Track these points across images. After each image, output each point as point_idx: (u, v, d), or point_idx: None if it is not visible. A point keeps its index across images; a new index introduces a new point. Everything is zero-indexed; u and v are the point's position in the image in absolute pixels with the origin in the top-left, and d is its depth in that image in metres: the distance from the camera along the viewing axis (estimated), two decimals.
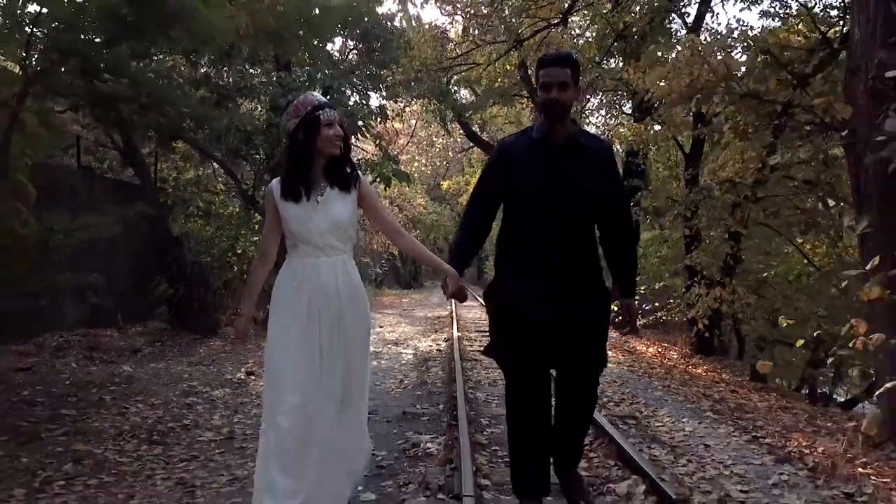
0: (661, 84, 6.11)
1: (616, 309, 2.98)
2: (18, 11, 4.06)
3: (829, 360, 4.08)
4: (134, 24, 3.80)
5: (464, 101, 17.44)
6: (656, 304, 8.82)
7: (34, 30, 4.09)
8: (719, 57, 5.01)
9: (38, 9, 4.11)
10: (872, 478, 3.18)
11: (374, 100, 14.46)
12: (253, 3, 4.64)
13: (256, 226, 12.10)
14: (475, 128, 19.13)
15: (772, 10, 10.26)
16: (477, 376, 5.97)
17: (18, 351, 7.05)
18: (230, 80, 11.24)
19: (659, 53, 9.41)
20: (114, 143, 9.37)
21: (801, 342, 4.37)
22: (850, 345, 3.46)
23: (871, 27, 4.23)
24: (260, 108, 11.45)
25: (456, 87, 15.02)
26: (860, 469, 3.30)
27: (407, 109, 15.58)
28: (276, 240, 2.51)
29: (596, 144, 2.77)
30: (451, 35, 11.32)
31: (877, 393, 3.50)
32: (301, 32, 5.71)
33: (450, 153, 26.99)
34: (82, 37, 4.22)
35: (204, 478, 3.42)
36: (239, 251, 11.27)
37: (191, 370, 6.65)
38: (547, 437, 2.64)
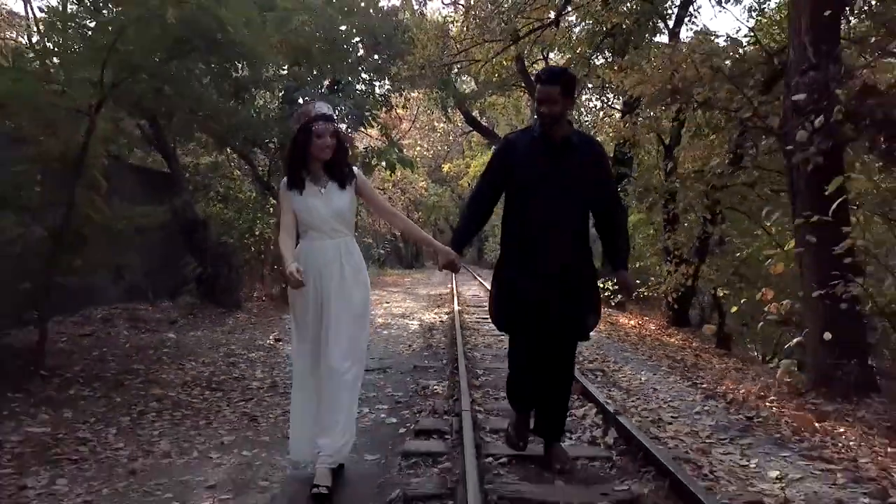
0: (638, 87, 6.99)
1: (613, 282, 3.51)
2: (99, 39, 4.93)
3: (760, 325, 5.05)
4: (195, 50, 4.68)
5: (465, 88, 18.21)
6: (637, 282, 9.77)
7: (115, 45, 4.92)
8: (681, 70, 5.89)
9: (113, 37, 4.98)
10: (774, 408, 4.18)
11: (379, 89, 15.19)
12: (284, 25, 5.51)
13: (271, 209, 13.02)
14: (475, 113, 19.94)
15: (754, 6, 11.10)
16: (474, 341, 6.95)
17: (72, 321, 8.04)
18: (244, 73, 12.03)
19: (646, 48, 10.25)
20: (144, 136, 10.23)
21: (735, 308, 5.35)
22: (766, 309, 4.41)
23: (801, 52, 5.12)
24: (274, 100, 12.27)
25: (456, 77, 15.80)
26: (766, 403, 4.29)
27: (410, 97, 16.39)
28: (291, 220, 2.87)
29: (588, 143, 3.08)
30: (453, 31, 12.09)
31: (786, 347, 4.47)
32: (325, 46, 6.56)
33: (450, 137, 27.77)
34: (147, 58, 5.11)
35: (261, 412, 4.41)
36: (257, 233, 12.20)
37: (226, 337, 7.64)
38: (536, 375, 3.03)
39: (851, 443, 3.60)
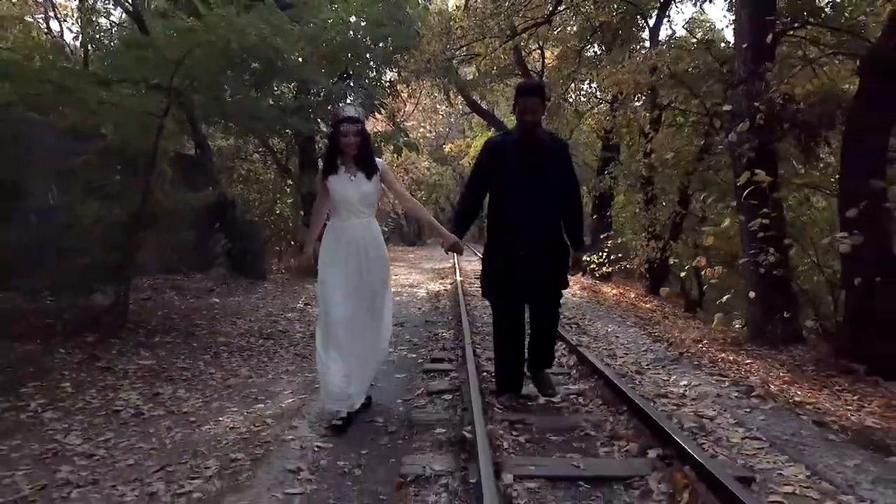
0: (613, 87, 8.13)
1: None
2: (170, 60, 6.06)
3: (704, 287, 6.27)
4: (245, 62, 5.81)
5: (466, 74, 19.19)
6: (619, 255, 11.00)
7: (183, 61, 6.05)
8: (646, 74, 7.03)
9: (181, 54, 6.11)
10: (703, 348, 5.44)
11: (385, 76, 16.13)
12: (317, 40, 6.64)
13: (288, 189, 14.18)
14: (475, 97, 20.93)
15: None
16: (473, 304, 8.20)
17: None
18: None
19: (627, 46, 11.33)
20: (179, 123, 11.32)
21: (684, 273, 6.57)
22: (703, 274, 5.64)
23: (740, 68, 6.26)
24: (290, 92, 13.31)
25: (458, 65, 16.81)
26: (699, 346, 5.55)
27: (415, 88, 17.45)
28: (325, 205, 3.48)
29: (557, 145, 3.62)
30: (456, 24, 13.08)
31: (717, 303, 5.71)
32: (349, 54, 7.70)
33: (451, 119, 28.76)
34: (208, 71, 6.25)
35: (309, 353, 5.65)
36: (277, 212, 13.39)
37: (261, 302, 8.89)
38: (520, 351, 3.56)
39: (753, 369, 4.87)
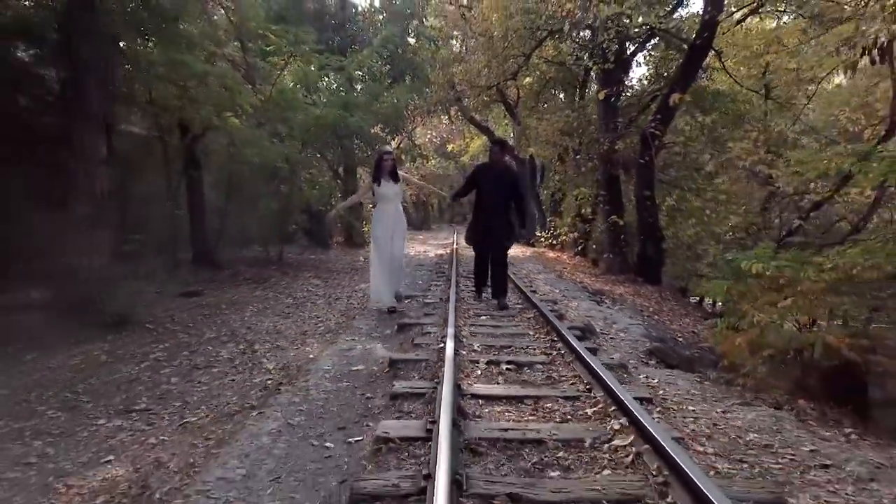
0: (542, 132, 14.12)
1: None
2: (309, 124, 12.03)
3: (583, 247, 12.30)
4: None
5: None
6: (560, 232, 17.01)
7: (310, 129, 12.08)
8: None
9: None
10: (569, 273, 11.51)
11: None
12: (377, 111, 12.62)
13: (337, 186, 20.12)
14: (472, 113, 26.83)
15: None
16: (462, 259, 14.23)
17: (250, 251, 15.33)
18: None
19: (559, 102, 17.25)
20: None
21: (566, 238, 12.60)
22: (560, 236, 11.73)
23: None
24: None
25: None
26: (566, 272, 11.62)
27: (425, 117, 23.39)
28: (360, 197, 9.11)
29: (511, 169, 8.98)
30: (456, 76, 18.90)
31: (576, 249, 11.81)
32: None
33: (454, 125, 34.64)
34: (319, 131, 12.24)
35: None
36: (333, 203, 19.34)
37: (336, 258, 14.95)
38: (486, 273, 7.65)
39: (580, 276, 10.92)
